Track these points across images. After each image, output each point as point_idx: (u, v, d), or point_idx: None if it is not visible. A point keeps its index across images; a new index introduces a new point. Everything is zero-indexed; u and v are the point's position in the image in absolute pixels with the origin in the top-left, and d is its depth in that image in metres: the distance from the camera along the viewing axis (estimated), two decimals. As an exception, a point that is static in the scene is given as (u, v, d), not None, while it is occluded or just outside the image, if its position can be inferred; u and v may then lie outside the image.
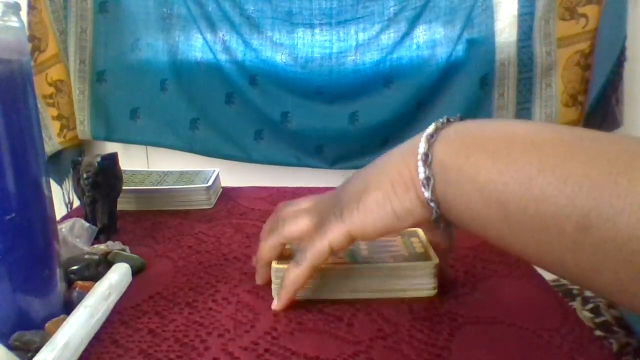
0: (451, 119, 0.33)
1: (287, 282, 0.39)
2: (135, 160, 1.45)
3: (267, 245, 0.42)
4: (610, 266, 0.24)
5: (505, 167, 0.27)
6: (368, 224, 0.34)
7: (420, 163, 0.31)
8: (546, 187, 0.25)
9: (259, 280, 0.44)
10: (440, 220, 0.32)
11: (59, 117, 1.39)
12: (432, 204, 0.32)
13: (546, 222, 0.26)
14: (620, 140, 0.26)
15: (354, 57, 1.30)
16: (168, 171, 0.71)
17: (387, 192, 0.33)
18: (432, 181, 0.31)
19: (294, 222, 0.40)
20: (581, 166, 0.25)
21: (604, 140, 0.26)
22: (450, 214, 0.31)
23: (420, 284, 0.41)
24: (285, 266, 0.40)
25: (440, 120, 0.33)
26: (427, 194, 0.31)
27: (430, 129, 0.32)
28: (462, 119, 0.34)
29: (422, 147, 0.31)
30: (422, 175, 0.31)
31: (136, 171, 0.71)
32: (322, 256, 0.37)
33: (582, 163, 0.25)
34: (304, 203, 0.42)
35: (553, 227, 0.25)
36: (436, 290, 0.41)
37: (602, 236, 0.24)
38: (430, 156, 0.31)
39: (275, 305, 0.40)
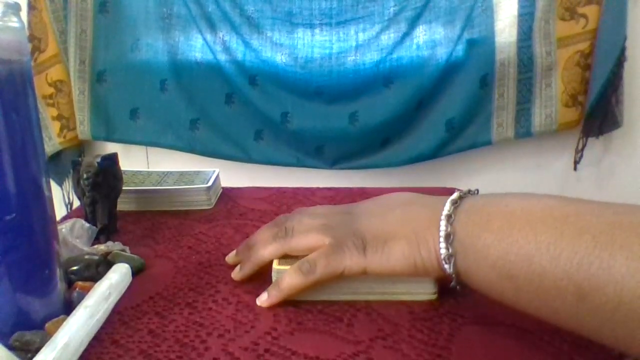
0: (462, 195, 0.38)
1: (285, 285, 0.39)
2: (135, 160, 1.45)
3: (270, 250, 0.42)
4: (609, 326, 0.28)
5: (508, 246, 0.32)
6: (387, 267, 0.38)
7: (442, 240, 0.36)
8: (544, 263, 0.30)
9: (240, 276, 0.44)
10: (457, 284, 0.37)
11: (59, 117, 1.39)
12: (452, 276, 0.36)
13: (549, 292, 0.30)
14: (601, 211, 0.30)
15: (354, 57, 1.30)
16: (168, 171, 0.71)
17: (412, 247, 0.37)
18: (453, 258, 0.35)
19: (305, 236, 0.41)
20: (570, 243, 0.29)
21: (588, 215, 0.30)
22: (469, 282, 0.36)
23: (420, 288, 0.41)
24: (286, 267, 0.40)
25: (453, 197, 0.37)
26: (448, 269, 0.36)
27: (448, 208, 0.36)
28: (470, 191, 0.39)
29: (443, 227, 0.36)
30: (443, 252, 0.36)
31: (136, 171, 0.71)
32: (333, 277, 0.39)
33: (571, 240, 0.29)
34: (311, 219, 0.42)
35: (556, 296, 0.30)
36: (436, 295, 0.41)
37: (597, 303, 0.28)
38: (451, 236, 0.35)
39: (263, 301, 0.40)
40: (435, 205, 0.38)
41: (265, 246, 0.43)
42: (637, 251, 0.27)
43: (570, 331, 0.32)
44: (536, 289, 0.31)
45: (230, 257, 0.47)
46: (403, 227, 0.38)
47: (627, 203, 0.31)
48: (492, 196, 0.36)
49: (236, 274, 0.44)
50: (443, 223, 0.36)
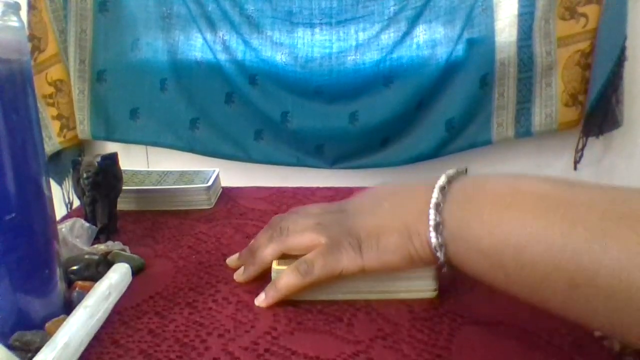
0: (450, 178, 0.37)
1: (282, 285, 0.40)
2: (135, 160, 1.45)
3: (269, 252, 0.42)
4: (599, 315, 0.28)
5: (498, 237, 0.32)
6: (384, 263, 0.38)
7: (431, 230, 0.35)
8: (535, 254, 0.30)
9: (243, 278, 0.44)
10: (449, 270, 0.37)
11: (58, 117, 1.39)
12: (444, 263, 0.36)
13: (540, 281, 0.30)
14: (595, 199, 0.30)
15: (354, 57, 1.30)
16: (168, 171, 0.71)
17: (404, 239, 0.37)
18: (444, 247, 0.35)
19: (300, 236, 0.41)
20: (562, 236, 0.29)
21: (581, 205, 0.30)
22: (461, 269, 0.36)
23: (421, 286, 0.41)
24: (286, 267, 0.40)
25: (441, 182, 0.36)
26: (441, 257, 0.36)
27: (436, 197, 0.36)
28: (458, 172, 0.38)
29: (432, 216, 0.35)
30: (434, 241, 0.35)
31: (136, 171, 0.71)
32: (331, 277, 0.39)
33: (562, 232, 0.29)
34: (305, 219, 0.43)
35: (547, 286, 0.30)
36: (437, 292, 0.41)
37: (588, 293, 0.28)
38: (441, 226, 0.35)
39: (261, 301, 0.40)
40: (423, 192, 0.37)
41: (263, 249, 0.43)
42: (629, 244, 0.27)
43: (563, 318, 0.32)
44: (527, 278, 0.31)
45: (232, 261, 0.48)
46: (394, 221, 0.38)
47: (626, 188, 0.30)
48: (482, 181, 0.36)
49: (239, 276, 0.44)
50: (432, 212, 0.35)
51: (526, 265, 0.30)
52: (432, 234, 0.35)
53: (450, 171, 0.38)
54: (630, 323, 0.27)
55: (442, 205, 0.35)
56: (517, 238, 0.31)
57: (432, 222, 0.35)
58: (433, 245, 0.36)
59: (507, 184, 0.34)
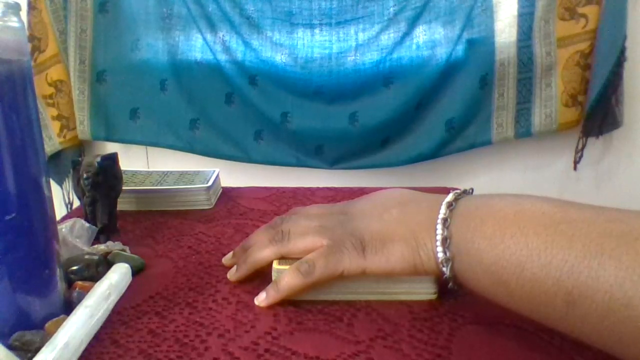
0: (457, 196, 0.38)
1: (283, 285, 0.39)
2: (135, 160, 1.45)
3: (267, 254, 0.42)
4: (598, 332, 0.29)
5: (501, 252, 0.32)
6: (387, 268, 0.38)
7: (438, 244, 0.36)
8: (535, 270, 0.30)
9: (235, 277, 0.44)
10: (454, 286, 0.37)
11: (59, 117, 1.39)
12: (450, 278, 0.37)
13: (540, 298, 0.31)
14: (594, 218, 0.30)
15: (353, 57, 1.30)
16: (168, 171, 0.71)
17: (411, 249, 0.38)
18: (450, 262, 0.36)
19: (302, 239, 0.41)
20: (561, 251, 0.29)
21: (580, 222, 0.30)
22: (465, 284, 0.36)
23: (420, 287, 0.41)
24: (287, 267, 0.40)
25: (448, 199, 0.37)
26: (446, 271, 0.36)
27: (443, 212, 0.36)
28: (465, 191, 0.39)
29: (439, 230, 0.36)
30: (441, 256, 0.36)
31: (136, 171, 0.71)
32: (332, 277, 0.39)
33: (562, 248, 0.30)
34: (307, 220, 0.43)
35: (546, 302, 0.31)
36: (436, 295, 0.41)
37: (585, 310, 0.28)
38: (448, 240, 0.36)
39: (261, 300, 0.40)
40: (431, 206, 0.38)
41: (261, 249, 0.43)
42: (626, 261, 0.27)
43: (565, 335, 0.32)
44: (527, 294, 0.31)
45: (227, 259, 0.48)
46: (401, 229, 0.39)
47: (622, 208, 0.31)
48: (486, 198, 0.36)
49: (231, 275, 0.44)
50: (439, 227, 0.36)
51: (527, 281, 0.31)
52: (439, 249, 0.36)
53: (457, 190, 0.39)
54: (628, 341, 0.27)
55: (449, 220, 0.36)
56: (518, 254, 0.31)
57: (439, 237, 0.36)
58: (440, 259, 0.36)
59: (511, 202, 0.35)
